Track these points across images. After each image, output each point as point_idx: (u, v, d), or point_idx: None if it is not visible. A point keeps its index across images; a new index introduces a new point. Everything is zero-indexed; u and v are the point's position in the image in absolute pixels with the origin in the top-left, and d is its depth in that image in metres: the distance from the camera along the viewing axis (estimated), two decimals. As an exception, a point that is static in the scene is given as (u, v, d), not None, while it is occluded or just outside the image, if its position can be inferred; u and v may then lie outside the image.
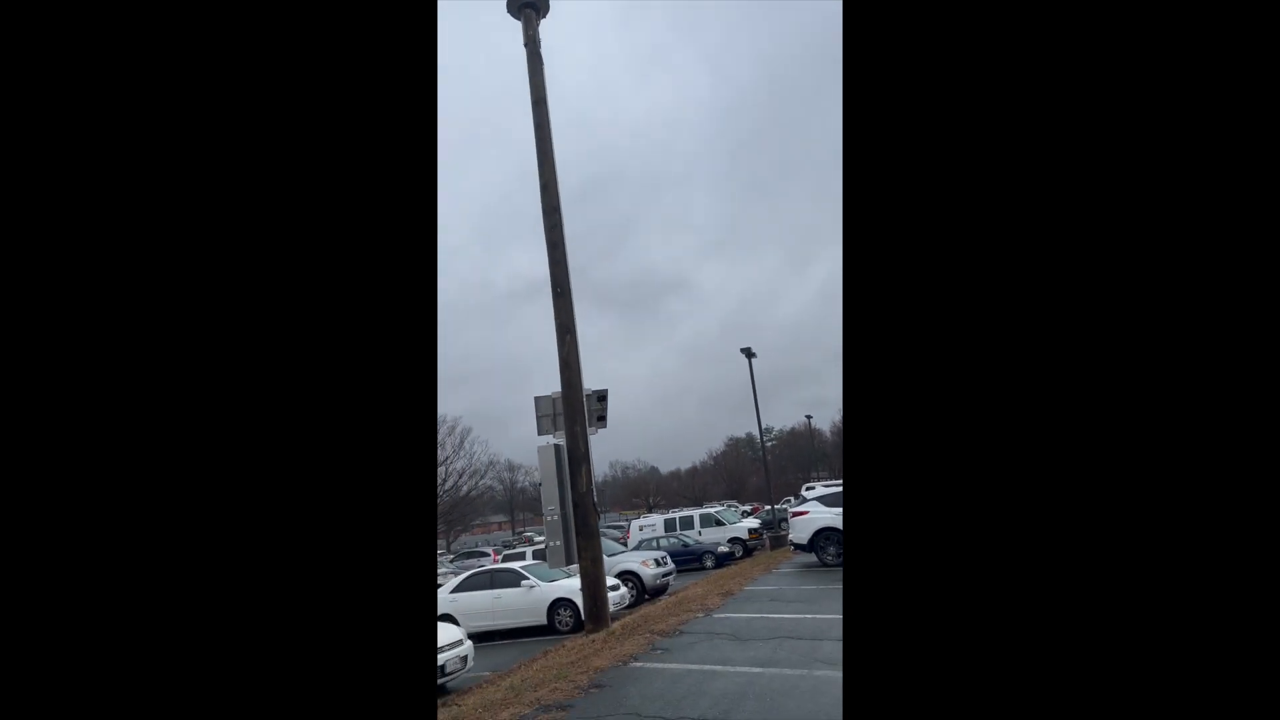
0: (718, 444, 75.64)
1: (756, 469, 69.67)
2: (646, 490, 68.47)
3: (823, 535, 11.54)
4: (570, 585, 10.42)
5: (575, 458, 8.36)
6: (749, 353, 20.84)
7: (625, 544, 18.34)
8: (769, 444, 78.63)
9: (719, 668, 5.58)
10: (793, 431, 72.47)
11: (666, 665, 5.87)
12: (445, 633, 7.51)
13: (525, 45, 9.79)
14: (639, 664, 5.99)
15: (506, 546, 26.67)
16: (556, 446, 8.34)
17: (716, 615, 7.95)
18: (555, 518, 8.12)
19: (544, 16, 10.04)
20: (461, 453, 42.28)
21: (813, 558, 11.81)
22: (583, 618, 8.62)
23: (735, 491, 60.28)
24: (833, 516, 11.45)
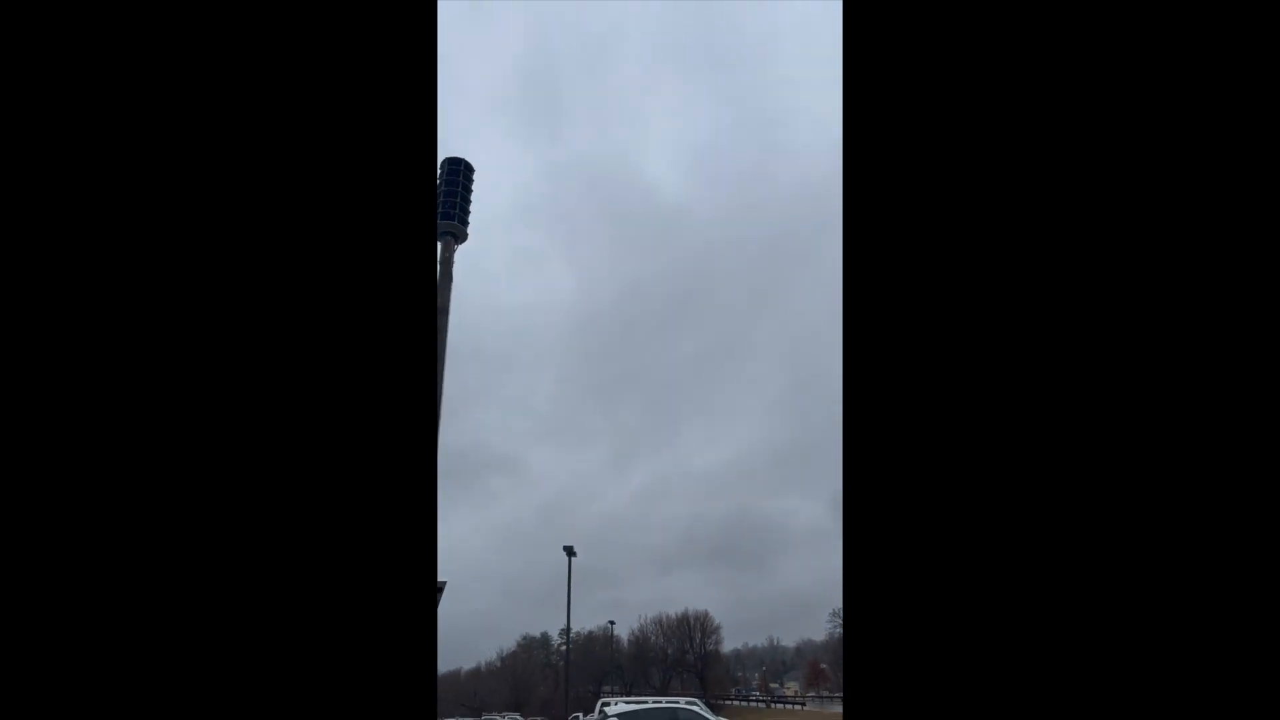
0: (509, 642, 69.75)
1: (545, 676, 64.67)
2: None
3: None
4: None
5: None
6: (570, 551, 21.49)
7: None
8: (563, 647, 74.06)
9: None
10: (590, 636, 69.51)
11: None
12: None
13: (440, 264, 11.52)
14: None
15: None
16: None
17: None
18: None
19: (461, 243, 12.00)
20: None
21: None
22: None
23: (520, 701, 55.00)
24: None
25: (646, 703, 13.75)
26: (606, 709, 13.60)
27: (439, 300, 11.08)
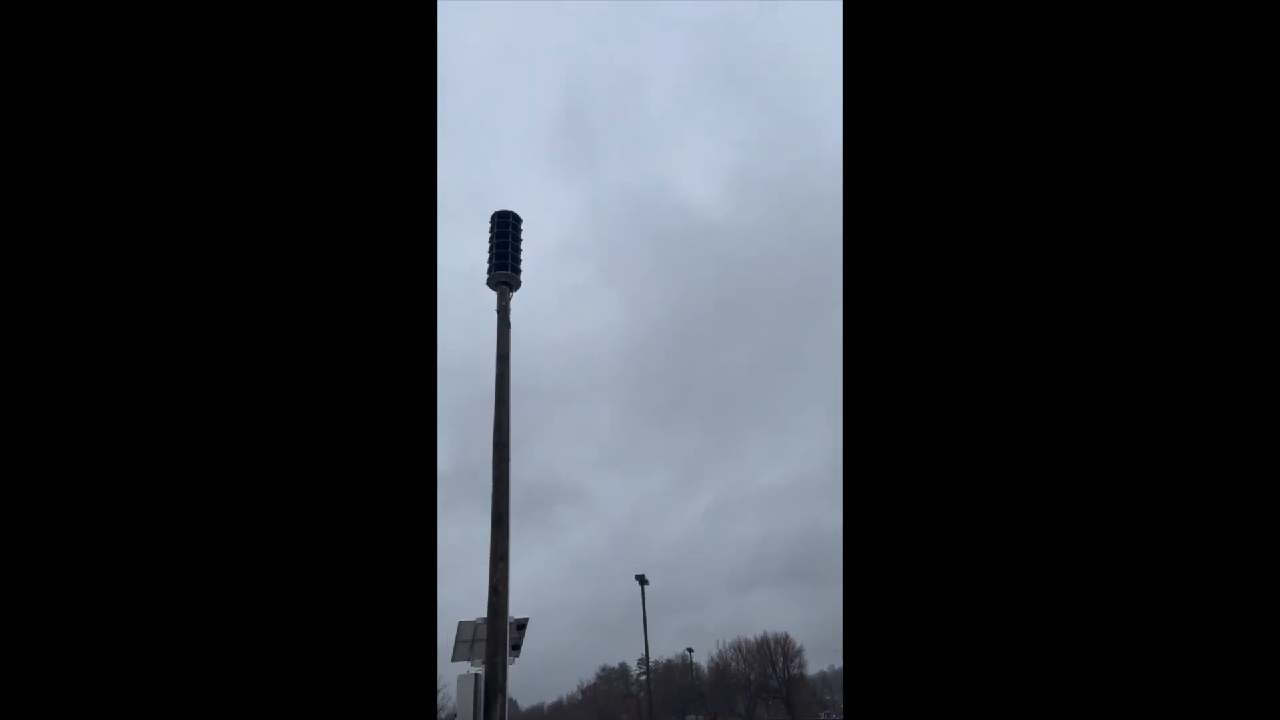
0: (588, 674, 69.59)
1: (627, 707, 64.02)
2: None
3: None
4: None
5: (492, 689, 8.75)
6: (642, 580, 21.51)
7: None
8: (644, 678, 73.31)
9: None
10: (668, 665, 68.57)
11: None
12: None
13: (497, 312, 12.06)
14: None
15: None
16: (477, 676, 8.76)
17: None
18: (465, 754, 8.26)
19: (515, 291, 12.54)
20: None
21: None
22: None
23: (604, 734, 54.58)
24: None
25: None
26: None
27: (499, 347, 11.59)
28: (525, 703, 67.55)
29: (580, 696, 65.21)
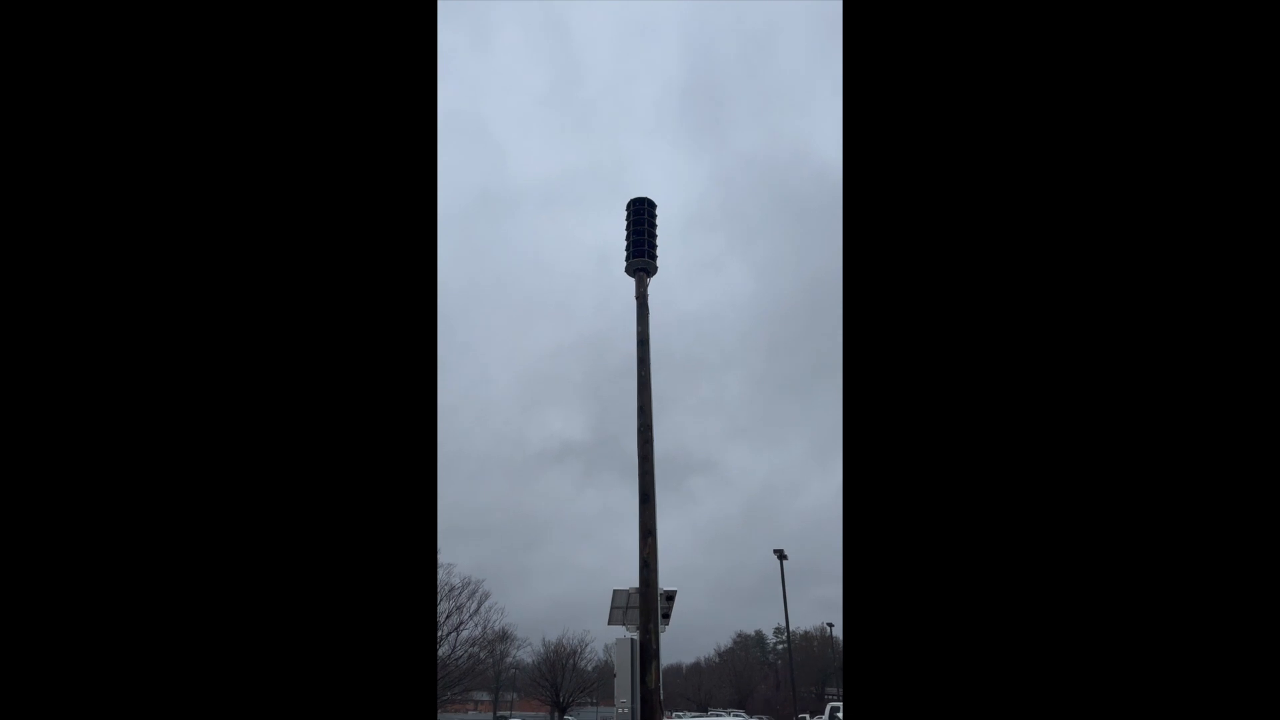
0: (725, 639, 71.05)
1: (765, 674, 64.69)
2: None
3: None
4: None
5: (647, 654, 9.42)
6: (781, 554, 21.62)
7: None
8: (780, 647, 73.36)
9: None
10: (805, 635, 68.22)
11: None
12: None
13: (636, 299, 12.54)
14: None
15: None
16: (633, 640, 9.47)
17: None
18: (625, 710, 9.03)
19: (652, 277, 12.95)
20: (476, 618, 35.40)
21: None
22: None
23: (742, 699, 55.81)
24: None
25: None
26: (838, 715, 13.54)
27: (639, 333, 12.07)
28: (667, 661, 70.45)
29: (717, 660, 66.95)
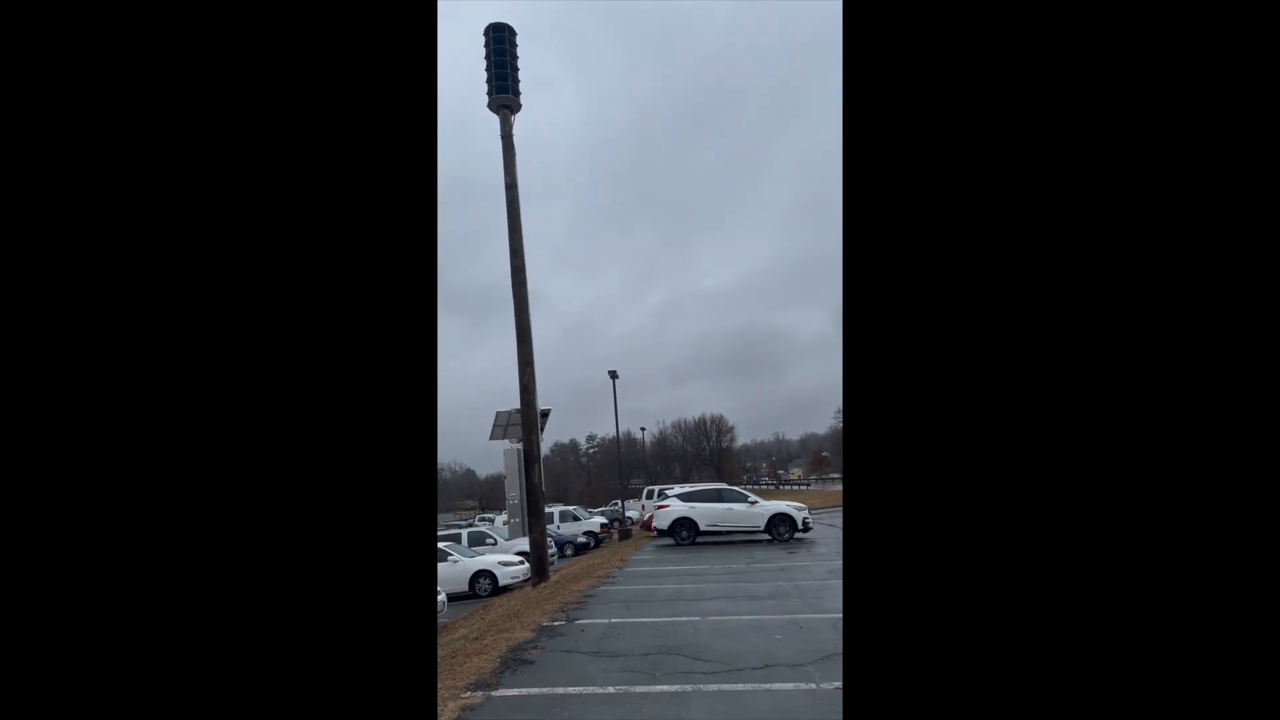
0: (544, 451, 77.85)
1: (578, 475, 73.72)
2: (472, 494, 69.21)
3: (678, 523, 15.64)
4: (487, 560, 13.39)
5: (529, 459, 11.38)
6: (613, 375, 24.69)
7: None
8: (593, 451, 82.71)
9: (653, 586, 9.16)
10: (612, 441, 77.48)
11: (615, 587, 9.29)
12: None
13: (502, 139, 12.55)
14: (592, 593, 9.28)
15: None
16: (519, 450, 11.31)
17: (628, 570, 11.52)
18: (515, 501, 11.11)
19: (516, 114, 12.84)
20: None
21: (669, 540, 15.87)
22: (530, 574, 11.63)
23: (560, 495, 63.61)
24: (687, 509, 15.61)
25: (697, 488, 17.40)
26: (667, 492, 17.17)
27: (506, 175, 12.37)
28: (483, 473, 76.34)
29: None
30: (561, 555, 20.25)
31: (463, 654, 6.07)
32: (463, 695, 4.57)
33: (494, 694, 4.59)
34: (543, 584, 10.73)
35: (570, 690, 4.58)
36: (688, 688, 4.48)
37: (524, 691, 4.63)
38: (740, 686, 4.46)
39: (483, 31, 12.82)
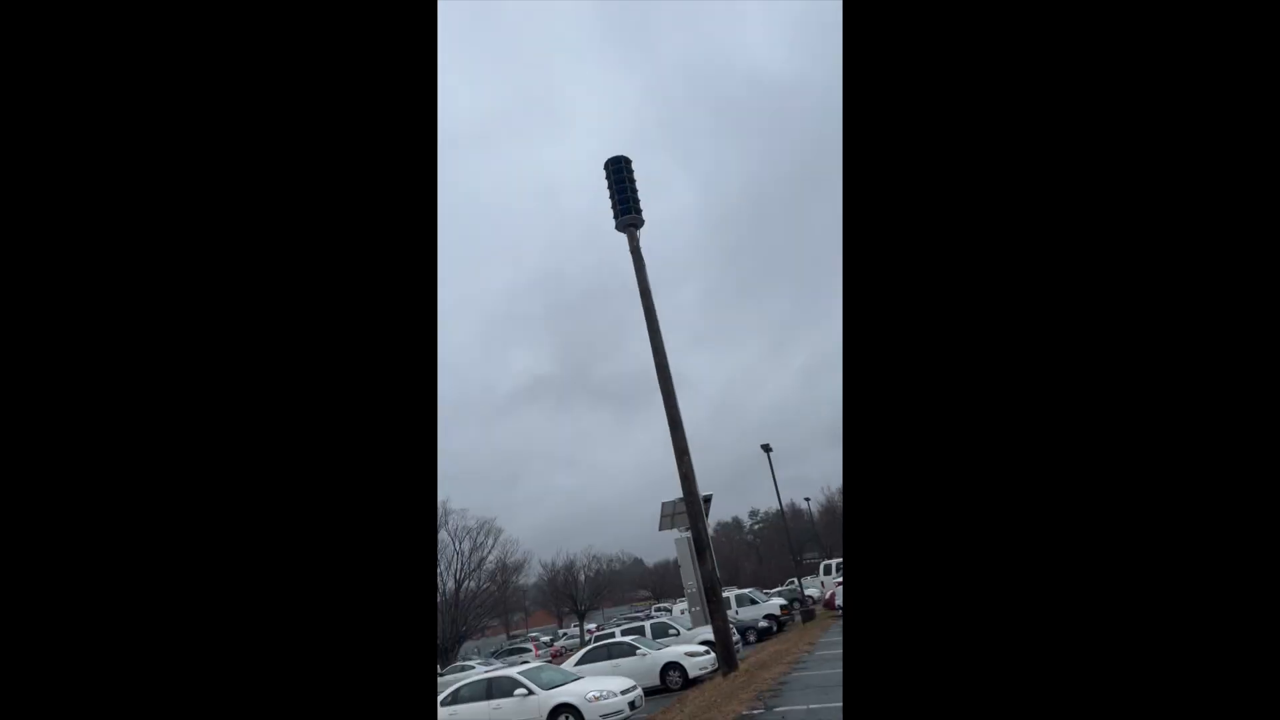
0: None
1: (747, 554, 71.14)
2: (644, 583, 69.24)
3: (862, 598, 14.90)
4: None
5: (700, 545, 11.76)
6: (767, 448, 24.59)
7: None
8: (757, 527, 79.68)
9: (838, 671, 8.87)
10: (778, 513, 74.24)
11: (808, 673, 9.12)
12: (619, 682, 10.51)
13: (631, 254, 13.93)
14: (785, 679, 9.18)
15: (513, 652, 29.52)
16: (688, 538, 11.75)
17: (817, 654, 11.21)
18: (693, 590, 11.42)
19: (640, 229, 14.28)
20: (492, 555, 38.05)
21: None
22: (717, 664, 11.71)
23: (731, 577, 61.72)
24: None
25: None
26: (837, 572, 16.44)
27: (640, 285, 13.60)
28: (650, 560, 76.15)
29: (703, 550, 72.34)
30: (745, 643, 19.73)
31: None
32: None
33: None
34: (733, 673, 10.75)
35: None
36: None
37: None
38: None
39: (603, 165, 14.64)
